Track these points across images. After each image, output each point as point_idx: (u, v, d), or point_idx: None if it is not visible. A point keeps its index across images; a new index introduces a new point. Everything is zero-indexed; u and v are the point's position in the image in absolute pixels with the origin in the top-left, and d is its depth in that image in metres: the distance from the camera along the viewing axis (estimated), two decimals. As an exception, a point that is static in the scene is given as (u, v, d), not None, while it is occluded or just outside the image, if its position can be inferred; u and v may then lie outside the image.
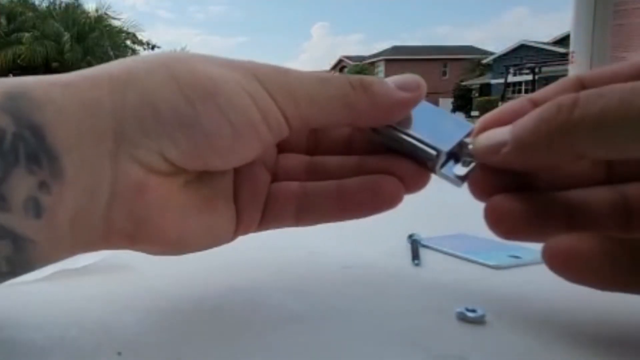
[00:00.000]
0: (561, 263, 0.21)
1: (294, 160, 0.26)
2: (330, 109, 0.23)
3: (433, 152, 0.23)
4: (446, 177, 0.24)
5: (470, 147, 0.23)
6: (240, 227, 0.25)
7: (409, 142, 0.23)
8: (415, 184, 0.24)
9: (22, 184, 0.18)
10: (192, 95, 0.21)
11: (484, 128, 0.22)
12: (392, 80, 0.24)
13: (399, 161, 0.24)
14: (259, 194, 0.25)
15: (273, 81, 0.22)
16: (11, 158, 0.18)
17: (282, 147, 0.27)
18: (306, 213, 0.25)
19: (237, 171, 0.25)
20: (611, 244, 0.20)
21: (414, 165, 0.24)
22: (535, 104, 0.22)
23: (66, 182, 0.19)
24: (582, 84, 0.22)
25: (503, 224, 0.22)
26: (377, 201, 0.24)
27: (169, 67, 0.21)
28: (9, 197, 0.18)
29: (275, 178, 0.26)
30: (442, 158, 0.23)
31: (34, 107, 0.19)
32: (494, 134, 0.22)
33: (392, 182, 0.24)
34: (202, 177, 0.23)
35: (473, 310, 0.22)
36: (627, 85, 0.18)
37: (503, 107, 0.23)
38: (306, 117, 0.23)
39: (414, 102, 0.24)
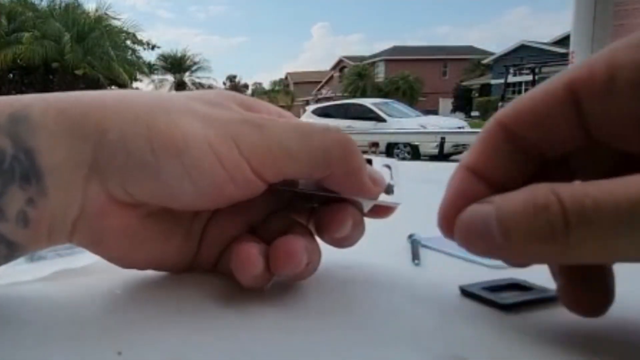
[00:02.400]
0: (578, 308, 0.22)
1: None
2: (310, 165, 0.23)
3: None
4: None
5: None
6: (197, 262, 0.28)
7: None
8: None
9: (15, 199, 0.22)
10: (159, 150, 0.22)
11: (447, 219, 0.21)
12: (369, 169, 0.25)
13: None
14: (223, 242, 0.27)
15: (248, 140, 0.23)
16: (8, 177, 0.22)
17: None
18: None
19: (214, 213, 0.27)
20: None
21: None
22: (475, 172, 0.21)
23: (48, 199, 0.22)
24: (506, 130, 0.21)
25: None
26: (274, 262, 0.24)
27: (152, 117, 0.23)
28: (5, 209, 0.22)
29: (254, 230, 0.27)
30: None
31: (29, 132, 0.22)
32: (475, 226, 0.19)
33: (286, 243, 0.24)
34: (167, 210, 0.25)
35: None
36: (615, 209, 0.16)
37: (452, 193, 0.22)
38: (284, 172, 0.24)
39: (374, 195, 0.26)
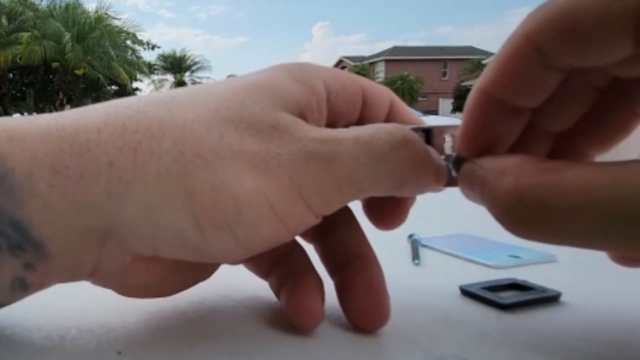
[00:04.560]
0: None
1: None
2: (379, 192, 0.20)
3: None
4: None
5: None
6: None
7: None
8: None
9: (6, 267, 0.18)
10: (207, 225, 0.18)
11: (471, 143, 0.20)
12: (433, 158, 0.21)
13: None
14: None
15: (316, 184, 0.19)
16: None
17: None
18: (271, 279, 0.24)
19: None
20: None
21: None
22: (490, 95, 0.19)
23: (50, 262, 0.19)
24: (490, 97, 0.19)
25: None
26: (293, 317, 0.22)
27: (189, 175, 0.18)
28: None
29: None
30: None
31: (15, 203, 0.17)
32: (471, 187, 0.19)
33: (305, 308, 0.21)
34: None
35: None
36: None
37: (471, 116, 0.20)
38: (347, 202, 0.21)
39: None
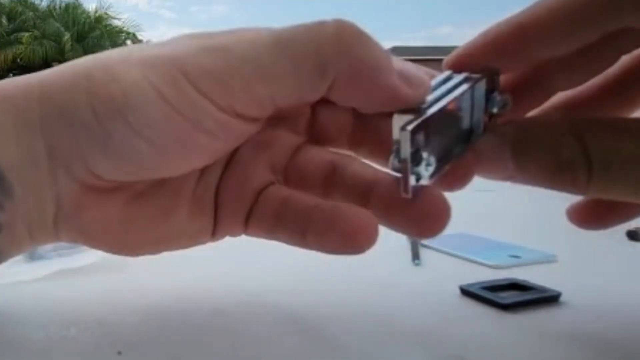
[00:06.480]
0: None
1: (316, 159, 0.22)
2: (296, 76, 0.18)
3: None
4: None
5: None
6: (219, 228, 0.23)
7: None
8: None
9: None
10: (102, 113, 0.19)
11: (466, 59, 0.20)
12: (397, 66, 0.18)
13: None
14: (245, 196, 0.22)
15: (204, 69, 0.18)
16: None
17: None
18: (281, 227, 0.21)
19: (227, 166, 0.22)
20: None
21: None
22: (524, 29, 0.19)
23: (16, 200, 0.20)
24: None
25: None
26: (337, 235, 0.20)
27: (91, 77, 0.19)
28: None
29: (287, 176, 0.22)
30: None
31: None
32: (491, 153, 0.20)
33: (361, 216, 0.19)
34: (162, 184, 0.22)
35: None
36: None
37: (490, 33, 0.20)
38: (262, 98, 0.18)
39: (413, 101, 0.18)
